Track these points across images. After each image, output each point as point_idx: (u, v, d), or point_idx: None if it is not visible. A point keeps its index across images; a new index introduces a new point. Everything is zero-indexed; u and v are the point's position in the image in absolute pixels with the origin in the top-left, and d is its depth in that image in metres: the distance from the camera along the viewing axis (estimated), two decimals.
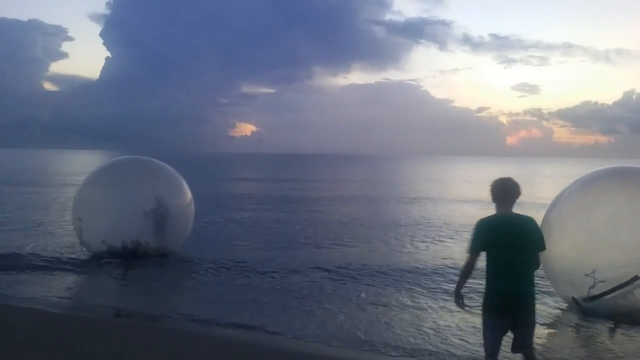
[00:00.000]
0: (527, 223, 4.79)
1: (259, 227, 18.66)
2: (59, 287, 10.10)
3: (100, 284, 10.76)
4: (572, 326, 8.36)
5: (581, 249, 8.56)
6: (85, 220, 11.96)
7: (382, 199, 31.29)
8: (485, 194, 5.02)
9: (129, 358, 6.22)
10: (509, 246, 4.63)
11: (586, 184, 9.40)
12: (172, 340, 7.00)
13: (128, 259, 11.59)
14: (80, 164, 75.20)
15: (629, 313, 8.19)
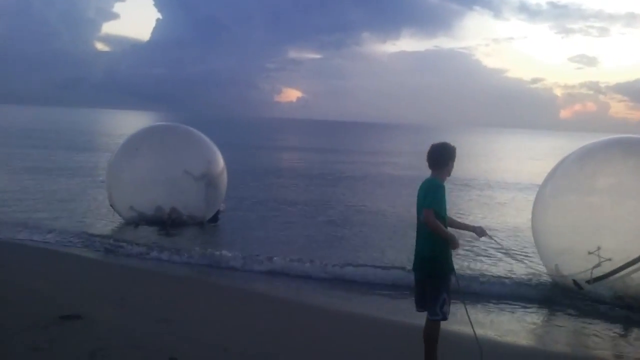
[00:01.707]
0: (423, 186, 4.78)
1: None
2: None
3: None
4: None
5: (582, 225, 7.97)
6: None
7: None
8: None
9: None
10: (417, 210, 4.80)
11: (584, 156, 8.79)
12: None
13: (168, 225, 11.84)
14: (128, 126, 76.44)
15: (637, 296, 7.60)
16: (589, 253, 7.61)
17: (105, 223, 12.54)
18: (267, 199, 17.11)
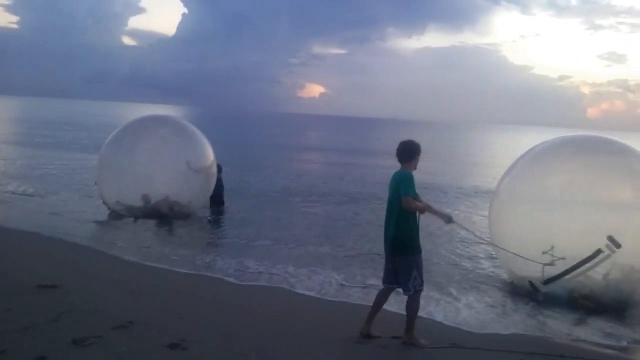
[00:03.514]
0: (396, 177, 5.52)
1: None
2: None
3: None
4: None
5: (536, 225, 8.04)
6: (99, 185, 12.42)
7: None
8: None
9: None
10: (388, 197, 5.60)
11: (537, 154, 8.89)
12: None
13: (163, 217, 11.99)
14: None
15: (592, 296, 7.66)
16: (543, 252, 7.66)
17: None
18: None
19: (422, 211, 5.49)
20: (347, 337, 5.77)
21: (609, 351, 6.13)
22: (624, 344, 6.45)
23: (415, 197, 5.46)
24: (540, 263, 7.70)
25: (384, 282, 5.77)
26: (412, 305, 5.57)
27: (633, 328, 7.01)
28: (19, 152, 25.76)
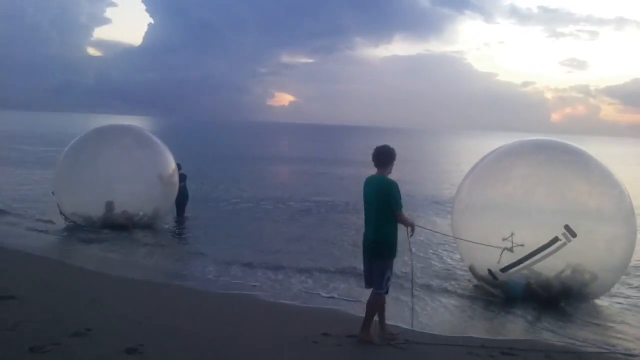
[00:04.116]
0: (381, 183, 5.67)
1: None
2: None
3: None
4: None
5: (498, 214, 8.47)
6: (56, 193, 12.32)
7: None
8: None
9: None
10: (368, 201, 5.75)
11: (501, 152, 9.46)
12: None
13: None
14: None
15: (547, 286, 8.07)
16: (503, 239, 7.99)
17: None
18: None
19: (409, 227, 5.66)
20: (304, 337, 5.91)
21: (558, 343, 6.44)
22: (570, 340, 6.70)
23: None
24: (499, 247, 8.03)
25: (367, 286, 5.88)
26: (376, 302, 5.73)
27: (579, 325, 7.34)
28: None
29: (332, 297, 8.07)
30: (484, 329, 7.01)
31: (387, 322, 6.15)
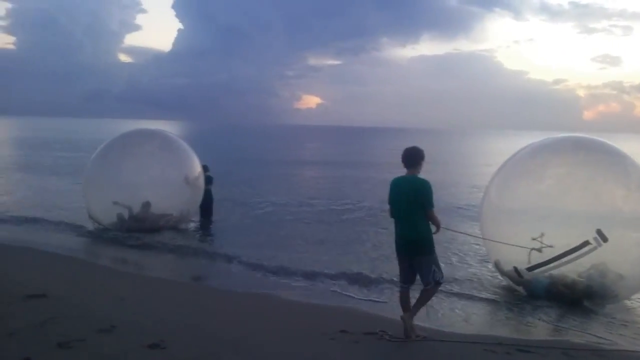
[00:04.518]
0: (414, 183, 5.80)
1: None
2: None
3: None
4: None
5: (530, 212, 8.31)
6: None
7: None
8: None
9: None
10: (401, 201, 5.83)
11: (537, 148, 9.16)
12: None
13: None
14: None
15: (572, 285, 7.98)
16: (533, 239, 7.95)
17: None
18: None
19: (438, 224, 5.81)
20: (322, 334, 6.02)
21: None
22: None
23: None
24: (527, 248, 7.99)
25: (405, 283, 6.00)
26: (428, 294, 5.88)
27: (601, 324, 7.28)
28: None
29: (351, 297, 8.19)
30: (502, 328, 7.03)
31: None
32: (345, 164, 37.92)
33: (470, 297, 8.38)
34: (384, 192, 6.28)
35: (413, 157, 5.91)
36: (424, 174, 6.03)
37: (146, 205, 12.48)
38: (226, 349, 5.36)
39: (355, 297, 8.21)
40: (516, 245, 8.07)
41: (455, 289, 8.69)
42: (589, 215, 7.89)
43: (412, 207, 5.74)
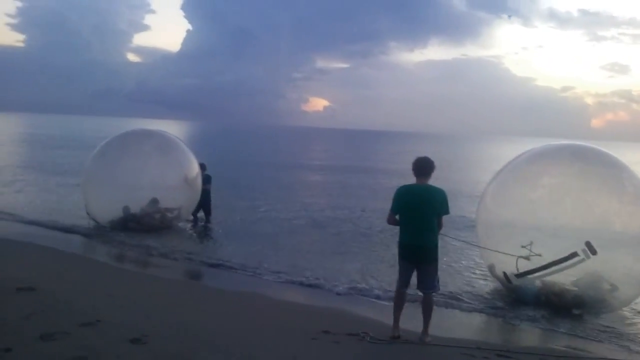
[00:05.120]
0: (433, 192, 5.97)
1: None
2: None
3: None
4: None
5: (521, 219, 8.32)
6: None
7: None
8: None
9: None
10: (417, 209, 5.94)
11: (534, 155, 9.17)
12: None
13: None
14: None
15: (560, 294, 8.01)
16: (522, 247, 8.00)
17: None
18: None
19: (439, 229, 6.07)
20: (304, 333, 6.09)
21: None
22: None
23: None
24: (514, 256, 8.06)
25: (404, 287, 6.13)
26: (430, 304, 6.12)
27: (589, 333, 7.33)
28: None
29: (339, 297, 8.26)
30: (483, 333, 7.10)
31: (386, 321, 6.29)
32: (351, 169, 37.84)
33: (452, 301, 8.43)
34: (383, 197, 6.36)
35: (427, 167, 6.11)
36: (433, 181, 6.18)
37: (154, 201, 12.68)
38: (205, 346, 5.43)
39: (343, 297, 8.27)
40: (504, 253, 8.14)
41: (437, 294, 8.71)
42: (579, 227, 7.90)
43: (429, 216, 5.90)
